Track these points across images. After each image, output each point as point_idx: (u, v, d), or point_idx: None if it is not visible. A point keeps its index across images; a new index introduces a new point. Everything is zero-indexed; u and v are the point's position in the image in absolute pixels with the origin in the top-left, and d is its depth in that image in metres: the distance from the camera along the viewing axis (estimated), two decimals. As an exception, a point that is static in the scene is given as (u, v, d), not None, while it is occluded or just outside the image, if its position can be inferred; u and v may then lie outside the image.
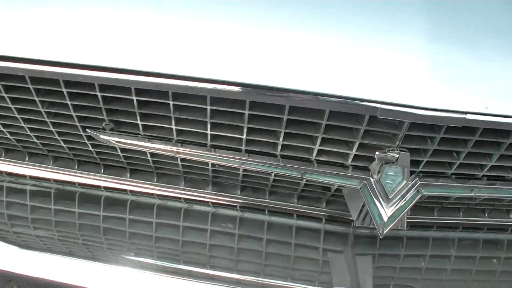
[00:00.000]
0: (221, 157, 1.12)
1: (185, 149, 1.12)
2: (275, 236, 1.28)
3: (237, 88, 0.97)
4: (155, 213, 1.32)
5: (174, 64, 0.98)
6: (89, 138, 1.21)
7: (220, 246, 1.30)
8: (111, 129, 1.14)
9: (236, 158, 1.11)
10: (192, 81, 0.97)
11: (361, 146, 1.07)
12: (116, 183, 1.34)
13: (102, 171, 1.35)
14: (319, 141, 1.06)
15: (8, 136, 1.28)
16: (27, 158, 1.38)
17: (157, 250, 1.31)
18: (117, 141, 1.13)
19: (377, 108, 0.96)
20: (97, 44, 1.01)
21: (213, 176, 1.27)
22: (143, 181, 1.33)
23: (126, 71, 0.99)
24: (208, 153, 1.12)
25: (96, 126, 1.16)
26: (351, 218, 1.27)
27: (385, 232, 1.10)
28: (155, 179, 1.33)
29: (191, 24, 0.99)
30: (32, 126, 1.22)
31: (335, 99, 0.96)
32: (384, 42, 1.00)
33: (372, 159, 1.09)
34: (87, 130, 1.15)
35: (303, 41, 0.99)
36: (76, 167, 1.36)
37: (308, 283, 1.22)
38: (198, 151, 1.11)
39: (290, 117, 1.02)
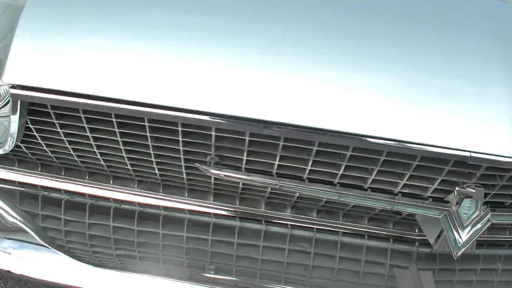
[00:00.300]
0: (319, 190, 1.26)
1: (287, 183, 1.25)
2: (346, 254, 1.44)
3: (342, 136, 1.13)
4: (236, 234, 1.45)
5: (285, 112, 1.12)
6: (187, 168, 1.32)
7: (296, 264, 1.44)
8: (216, 163, 1.27)
9: (333, 192, 1.25)
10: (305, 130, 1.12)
11: (441, 181, 1.23)
12: (200, 206, 1.46)
13: (186, 194, 1.47)
14: (407, 177, 1.22)
15: (102, 162, 1.38)
16: (111, 181, 1.48)
17: (236, 269, 1.45)
18: (225, 175, 1.25)
19: (467, 156, 1.13)
20: (216, 93, 1.14)
21: (295, 202, 1.41)
22: (225, 205, 1.46)
23: (244, 118, 1.13)
24: (307, 186, 1.25)
25: (197, 159, 1.28)
26: (414, 237, 1.44)
27: (459, 254, 1.27)
28: (237, 203, 1.46)
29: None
30: (132, 156, 1.32)
31: (431, 148, 1.13)
32: (470, 94, 1.16)
33: (445, 191, 1.26)
34: (196, 164, 1.26)
35: (403, 95, 1.14)
36: (161, 191, 1.47)
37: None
38: (299, 185, 1.25)
39: (386, 158, 1.18)
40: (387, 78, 1.15)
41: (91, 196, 1.49)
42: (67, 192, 1.49)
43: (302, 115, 1.13)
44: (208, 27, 1.18)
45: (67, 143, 1.32)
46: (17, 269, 1.42)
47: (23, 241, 1.44)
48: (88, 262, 1.45)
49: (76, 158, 1.38)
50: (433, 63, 1.18)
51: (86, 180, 1.48)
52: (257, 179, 1.26)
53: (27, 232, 1.45)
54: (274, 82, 1.14)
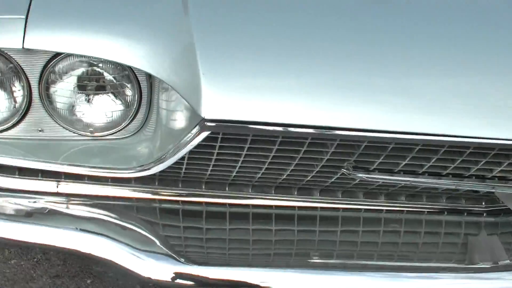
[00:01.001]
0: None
1: (428, 179, 1.48)
2: (429, 229, 1.71)
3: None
4: (340, 224, 1.66)
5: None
6: (332, 172, 1.51)
7: (388, 243, 1.69)
8: (354, 167, 1.45)
9: (452, 181, 1.50)
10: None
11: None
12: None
13: (340, 195, 1.68)
14: (505, 165, 1.50)
15: (233, 174, 1.50)
16: (226, 188, 1.60)
17: (337, 253, 1.66)
18: (373, 178, 1.45)
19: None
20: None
21: (392, 191, 1.65)
22: (329, 198, 1.66)
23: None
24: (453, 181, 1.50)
25: (338, 165, 1.46)
26: (481, 209, 1.75)
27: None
28: (340, 196, 1.67)
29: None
30: (269, 166, 1.47)
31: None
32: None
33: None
34: (342, 170, 1.44)
35: None
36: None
37: (457, 262, 1.68)
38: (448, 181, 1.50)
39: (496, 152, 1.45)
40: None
41: (207, 204, 1.60)
42: (184, 202, 1.58)
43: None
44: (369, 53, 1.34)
45: (212, 161, 1.42)
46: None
47: (150, 251, 1.52)
48: (210, 264, 1.56)
49: (206, 173, 1.49)
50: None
51: (203, 190, 1.59)
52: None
53: (152, 240, 1.53)
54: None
